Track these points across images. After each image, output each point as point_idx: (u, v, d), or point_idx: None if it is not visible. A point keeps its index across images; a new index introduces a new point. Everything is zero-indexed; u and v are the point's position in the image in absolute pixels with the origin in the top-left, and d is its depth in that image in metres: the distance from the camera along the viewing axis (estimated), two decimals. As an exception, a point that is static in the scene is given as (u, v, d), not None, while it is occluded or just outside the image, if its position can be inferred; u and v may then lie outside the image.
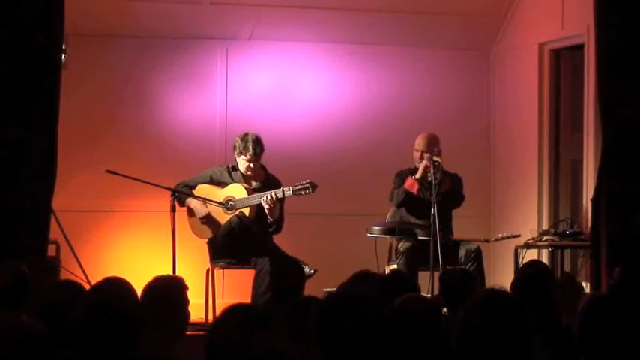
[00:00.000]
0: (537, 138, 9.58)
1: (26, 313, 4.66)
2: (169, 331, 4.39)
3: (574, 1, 9.03)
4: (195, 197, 8.18)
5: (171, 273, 7.32)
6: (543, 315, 5.01)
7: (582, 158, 9.08)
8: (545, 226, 9.27)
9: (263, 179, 8.26)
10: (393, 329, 3.42)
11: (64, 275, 7.79)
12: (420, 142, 8.47)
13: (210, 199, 8.13)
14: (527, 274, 5.73)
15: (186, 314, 4.66)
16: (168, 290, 4.61)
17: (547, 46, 9.58)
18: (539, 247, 8.80)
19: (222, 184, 8.24)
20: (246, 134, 8.15)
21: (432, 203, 7.97)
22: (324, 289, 6.61)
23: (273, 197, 7.96)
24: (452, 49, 10.02)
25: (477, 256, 8.30)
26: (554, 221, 9.30)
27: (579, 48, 9.19)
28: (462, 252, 8.33)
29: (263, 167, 8.29)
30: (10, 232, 6.79)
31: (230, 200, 8.14)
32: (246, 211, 8.09)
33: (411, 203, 8.44)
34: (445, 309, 5.78)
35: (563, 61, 9.62)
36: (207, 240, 8.22)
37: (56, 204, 7.37)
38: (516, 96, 9.87)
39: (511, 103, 9.95)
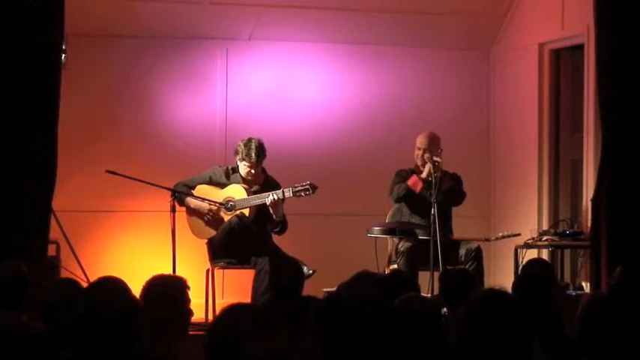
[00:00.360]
0: (537, 138, 9.58)
1: (26, 313, 4.67)
2: (170, 331, 4.38)
3: (574, 1, 9.02)
4: (195, 197, 8.18)
5: (171, 273, 7.33)
6: (543, 315, 5.01)
7: (582, 158, 9.08)
8: (545, 226, 9.27)
9: (262, 182, 8.26)
10: (392, 329, 3.42)
11: (64, 275, 7.78)
12: (421, 141, 8.46)
13: (210, 199, 8.14)
14: (527, 274, 5.74)
15: (188, 314, 4.65)
16: (170, 290, 4.60)
17: (547, 46, 9.57)
18: (539, 247, 8.79)
19: (221, 185, 8.23)
20: (249, 140, 8.12)
21: (432, 203, 7.97)
22: (324, 289, 6.61)
23: (275, 198, 7.96)
24: (452, 49, 10.02)
25: (477, 255, 8.30)
26: (554, 221, 9.30)
27: (579, 48, 9.19)
28: (462, 252, 8.32)
29: (263, 170, 8.28)
30: (10, 232, 6.79)
31: (230, 200, 8.14)
32: (246, 212, 8.09)
33: (411, 202, 8.43)
34: (445, 309, 5.78)
35: (563, 61, 9.62)
36: (207, 240, 8.22)
37: (56, 204, 7.36)
38: (516, 96, 9.87)
39: (511, 103, 9.94)
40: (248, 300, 7.74)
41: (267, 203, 7.98)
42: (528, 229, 8.88)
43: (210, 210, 8.14)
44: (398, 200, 8.47)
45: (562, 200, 9.60)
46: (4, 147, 6.85)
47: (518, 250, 8.64)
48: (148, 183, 8.13)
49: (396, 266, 8.19)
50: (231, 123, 9.50)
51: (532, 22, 9.67)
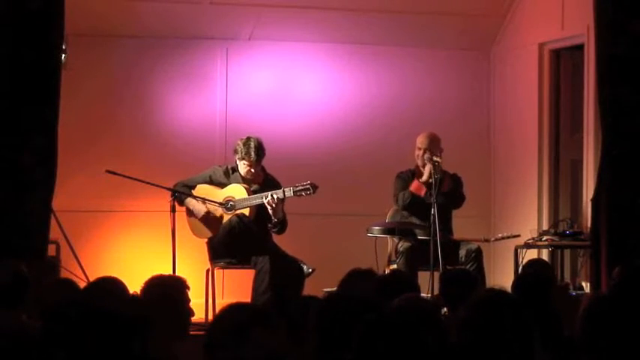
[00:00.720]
0: (537, 138, 9.58)
1: (26, 313, 4.67)
2: (171, 331, 4.38)
3: (574, 1, 9.02)
4: (195, 197, 8.19)
5: (171, 273, 7.33)
6: (543, 315, 5.01)
7: (582, 158, 9.08)
8: (545, 226, 9.27)
9: (262, 181, 8.26)
10: (392, 329, 3.41)
11: (64, 275, 7.78)
12: (422, 141, 8.46)
13: (210, 199, 8.14)
14: (526, 274, 5.74)
15: (188, 314, 4.65)
16: (170, 290, 4.61)
17: (547, 46, 9.57)
18: (539, 247, 8.79)
19: (221, 185, 8.24)
20: (248, 139, 8.13)
21: (432, 203, 7.96)
22: (324, 289, 6.61)
23: (275, 198, 7.96)
24: (452, 49, 10.02)
25: (477, 256, 8.30)
26: (554, 221, 9.30)
27: (579, 48, 9.19)
28: (462, 252, 8.32)
29: (262, 168, 8.29)
30: (10, 232, 6.79)
31: (230, 200, 8.14)
32: (246, 211, 8.09)
33: (413, 204, 8.43)
34: (445, 309, 5.78)
35: (563, 61, 9.62)
36: (207, 240, 8.22)
37: (56, 204, 7.36)
38: (516, 96, 9.87)
39: (511, 103, 9.94)
40: (248, 300, 7.74)
41: (264, 202, 7.97)
42: (528, 229, 8.89)
43: (209, 212, 8.14)
44: (404, 208, 8.46)
45: (562, 200, 9.60)
46: (4, 147, 6.85)
47: (518, 251, 8.64)
48: (148, 183, 8.13)
49: (395, 266, 8.19)
50: (231, 123, 9.50)
51: (532, 22, 9.67)
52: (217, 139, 9.55)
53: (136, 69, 9.47)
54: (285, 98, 9.77)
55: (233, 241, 8.03)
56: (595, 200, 7.54)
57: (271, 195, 7.97)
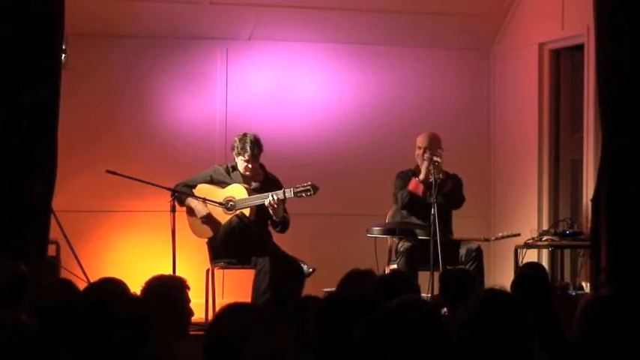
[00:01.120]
0: (537, 138, 9.58)
1: (26, 313, 4.66)
2: (171, 331, 4.38)
3: (574, 1, 9.03)
4: (196, 197, 8.19)
5: (171, 273, 7.33)
6: (542, 315, 5.01)
7: (582, 158, 9.08)
8: (545, 226, 9.26)
9: (262, 179, 8.27)
10: (392, 330, 3.41)
11: (64, 275, 7.78)
12: (422, 140, 8.46)
13: (210, 199, 8.14)
14: (524, 275, 5.74)
15: (188, 314, 4.65)
16: (170, 290, 4.61)
17: (547, 46, 9.57)
18: (539, 247, 8.79)
19: (222, 184, 8.24)
20: (244, 134, 8.16)
21: (432, 203, 7.96)
22: (324, 289, 6.61)
23: (275, 198, 7.96)
24: (452, 49, 10.02)
25: (477, 255, 8.30)
26: (554, 221, 9.30)
27: (579, 48, 9.19)
28: (462, 252, 8.32)
29: (262, 166, 8.29)
30: (10, 232, 6.79)
31: (230, 200, 8.14)
32: (247, 211, 8.09)
33: (412, 204, 8.43)
34: (445, 309, 5.78)
35: (563, 61, 9.62)
36: (207, 240, 8.22)
37: (56, 204, 7.36)
38: (516, 96, 9.87)
39: (511, 103, 9.94)
40: (248, 300, 7.74)
41: (266, 204, 7.97)
42: (528, 229, 8.88)
43: (209, 214, 8.14)
44: (404, 207, 8.46)
45: (562, 200, 9.60)
46: (4, 147, 6.84)
47: (518, 250, 8.64)
48: (148, 183, 8.13)
49: (395, 266, 8.19)
50: (231, 123, 9.50)
51: (532, 22, 9.67)
52: (217, 139, 9.55)
53: (136, 69, 9.47)
54: (285, 98, 9.77)
55: (233, 241, 8.03)
56: (595, 200, 7.53)
57: (272, 196, 7.98)
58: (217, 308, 7.98)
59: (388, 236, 8.48)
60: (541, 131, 9.59)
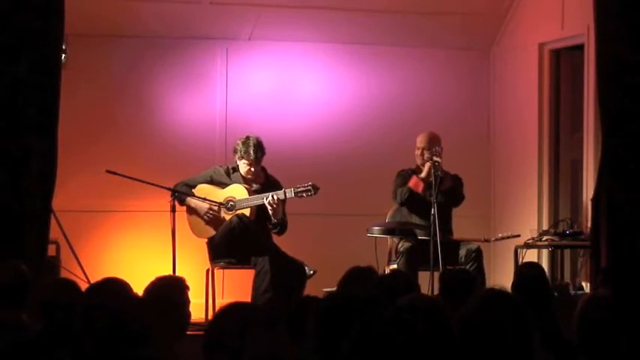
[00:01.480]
0: (537, 138, 9.58)
1: (26, 313, 4.66)
2: (170, 331, 4.39)
3: (574, 1, 9.02)
4: (195, 197, 8.19)
5: (171, 273, 7.33)
6: (543, 315, 5.01)
7: (582, 158, 9.08)
8: (545, 226, 9.26)
9: (263, 181, 8.27)
10: (392, 330, 3.41)
11: (64, 275, 7.78)
12: (421, 140, 8.47)
13: (211, 199, 8.14)
14: (525, 274, 5.73)
15: (188, 314, 4.66)
16: (169, 290, 4.60)
17: (547, 46, 9.57)
18: (539, 247, 8.79)
19: (222, 185, 8.24)
20: (247, 138, 8.14)
21: (432, 203, 7.96)
22: (324, 289, 6.61)
23: (275, 198, 7.96)
24: (452, 48, 10.02)
25: (477, 256, 8.30)
26: (554, 221, 9.30)
27: (579, 48, 9.19)
28: (462, 252, 8.32)
29: (263, 169, 8.29)
30: (10, 232, 6.79)
31: (230, 200, 8.14)
32: (247, 212, 8.09)
33: (412, 202, 8.43)
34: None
35: (563, 61, 9.62)
36: (207, 240, 8.22)
37: (56, 204, 7.37)
38: (516, 96, 9.87)
39: (511, 103, 9.94)
40: (248, 300, 7.73)
41: (265, 202, 7.97)
42: (528, 229, 8.88)
43: (210, 209, 8.15)
44: (402, 204, 8.46)
45: (562, 200, 9.60)
46: (4, 147, 6.85)
47: (518, 251, 8.63)
48: (148, 183, 8.13)
49: (395, 266, 8.19)
50: (231, 123, 9.50)
51: (532, 22, 9.67)
52: (217, 139, 9.55)
53: (136, 69, 9.47)
54: (285, 98, 9.77)
55: (233, 241, 8.03)
56: (595, 200, 7.54)
57: (272, 195, 7.98)
58: (217, 308, 7.99)
59: (388, 236, 8.48)
60: (541, 131, 9.58)
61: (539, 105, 9.57)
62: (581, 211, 9.19)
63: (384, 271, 8.00)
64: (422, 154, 8.41)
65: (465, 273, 6.48)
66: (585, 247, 8.35)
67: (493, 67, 10.12)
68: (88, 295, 4.42)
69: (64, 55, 7.99)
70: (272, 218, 8.06)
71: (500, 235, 8.72)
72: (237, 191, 8.16)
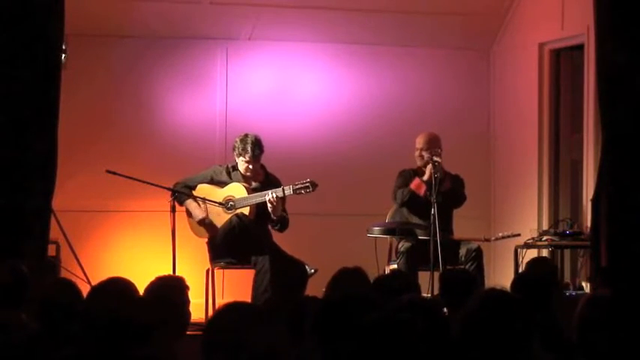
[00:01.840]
0: (537, 138, 9.58)
1: (26, 312, 4.66)
2: (170, 331, 4.38)
3: (574, 1, 9.02)
4: (195, 197, 8.19)
5: (171, 273, 7.33)
6: (544, 315, 5.01)
7: (582, 158, 9.08)
8: (545, 226, 9.27)
9: (262, 179, 8.27)
10: (392, 330, 3.41)
11: (64, 275, 7.78)
12: (420, 141, 8.47)
13: (210, 199, 8.14)
14: (524, 274, 5.73)
15: (187, 314, 4.66)
16: (169, 290, 4.60)
17: (547, 46, 9.57)
18: (539, 247, 8.79)
19: (222, 184, 8.24)
20: (245, 135, 8.16)
21: (432, 203, 7.96)
22: (324, 289, 6.60)
23: (274, 196, 7.96)
24: (452, 48, 10.02)
25: (477, 255, 8.30)
26: (554, 221, 9.30)
27: (579, 48, 9.19)
28: (462, 252, 8.32)
29: (262, 167, 8.30)
30: (10, 233, 6.79)
31: (230, 200, 8.14)
32: (247, 211, 8.09)
33: (412, 202, 8.43)
34: (445, 309, 5.77)
35: (563, 61, 9.62)
36: (207, 240, 8.22)
37: (56, 204, 7.36)
38: (516, 96, 9.87)
39: (511, 103, 9.94)
40: (248, 300, 7.73)
41: (265, 200, 7.98)
42: (528, 229, 8.88)
43: (204, 218, 8.15)
44: (402, 205, 8.46)
45: (562, 200, 9.60)
46: (4, 147, 6.85)
47: (518, 250, 8.64)
48: (148, 183, 8.13)
49: (395, 266, 8.19)
50: (231, 123, 9.50)
51: (532, 22, 9.67)
52: (217, 139, 9.55)
53: (136, 69, 9.47)
54: (285, 98, 9.77)
55: (233, 241, 8.03)
56: (595, 200, 7.53)
57: (271, 193, 7.98)
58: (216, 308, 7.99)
59: (388, 236, 8.48)
60: (541, 131, 9.59)
61: (539, 105, 9.57)
62: (581, 211, 9.19)
63: (384, 271, 8.00)
64: (421, 155, 8.41)
65: (465, 273, 6.48)
66: (585, 247, 8.35)
67: (493, 67, 10.12)
68: (91, 295, 4.42)
69: (64, 55, 7.99)
70: (272, 215, 8.06)
71: (500, 234, 8.71)
72: (236, 190, 8.16)
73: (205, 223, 8.15)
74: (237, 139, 8.17)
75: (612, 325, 3.58)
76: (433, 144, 8.40)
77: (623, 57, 7.26)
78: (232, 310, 3.27)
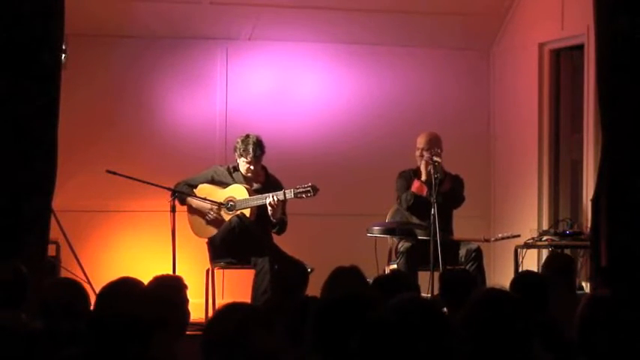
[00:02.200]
0: (537, 138, 9.58)
1: (25, 312, 4.66)
2: (170, 331, 4.38)
3: (574, 1, 9.03)
4: (196, 197, 8.19)
5: (171, 273, 7.33)
6: (544, 315, 5.01)
7: (582, 158, 9.09)
8: (545, 226, 9.27)
9: (263, 180, 8.27)
10: (392, 330, 3.41)
11: (64, 275, 7.78)
12: (420, 141, 8.47)
13: (211, 199, 8.14)
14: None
15: (186, 314, 4.66)
16: (168, 290, 4.60)
17: (547, 46, 9.58)
18: (539, 247, 8.79)
19: (223, 185, 8.24)
20: (247, 136, 8.15)
21: (432, 203, 7.97)
22: (321, 288, 6.59)
23: (275, 199, 7.97)
24: (452, 48, 10.02)
25: (477, 256, 8.30)
26: (554, 221, 9.30)
27: (579, 48, 9.19)
28: (462, 252, 8.32)
29: (264, 168, 8.30)
30: (10, 233, 6.78)
31: (230, 200, 8.15)
32: (247, 212, 8.10)
33: (416, 204, 8.43)
34: (445, 309, 5.77)
35: (563, 61, 9.62)
36: (207, 240, 8.23)
37: (56, 204, 7.36)
38: (516, 96, 9.87)
39: (511, 103, 9.94)
40: (248, 300, 7.73)
41: (267, 203, 7.98)
42: (528, 229, 8.88)
43: (211, 209, 8.15)
44: (408, 209, 8.46)
45: (562, 200, 9.60)
46: (4, 147, 6.84)
47: (518, 251, 8.64)
48: (148, 183, 8.13)
49: (395, 266, 8.19)
50: (231, 123, 9.50)
51: (532, 22, 9.67)
52: (217, 139, 9.55)
53: (136, 69, 9.47)
54: (285, 98, 9.77)
55: (233, 241, 8.04)
56: (595, 200, 7.53)
57: (272, 196, 7.98)
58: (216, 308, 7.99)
59: (388, 236, 8.48)
60: (541, 131, 9.59)
61: (539, 105, 9.57)
62: (581, 211, 9.19)
63: (384, 271, 8.00)
64: (422, 155, 8.41)
65: (465, 273, 6.48)
66: (585, 247, 8.35)
67: (493, 67, 10.12)
68: (101, 296, 4.43)
69: (64, 55, 7.99)
70: (271, 218, 8.06)
71: (500, 235, 8.71)
72: (238, 191, 8.16)
73: (210, 217, 8.14)
74: (239, 140, 8.17)
75: (612, 325, 3.58)
76: (434, 144, 8.39)
77: (623, 57, 7.26)
78: (232, 310, 3.28)
